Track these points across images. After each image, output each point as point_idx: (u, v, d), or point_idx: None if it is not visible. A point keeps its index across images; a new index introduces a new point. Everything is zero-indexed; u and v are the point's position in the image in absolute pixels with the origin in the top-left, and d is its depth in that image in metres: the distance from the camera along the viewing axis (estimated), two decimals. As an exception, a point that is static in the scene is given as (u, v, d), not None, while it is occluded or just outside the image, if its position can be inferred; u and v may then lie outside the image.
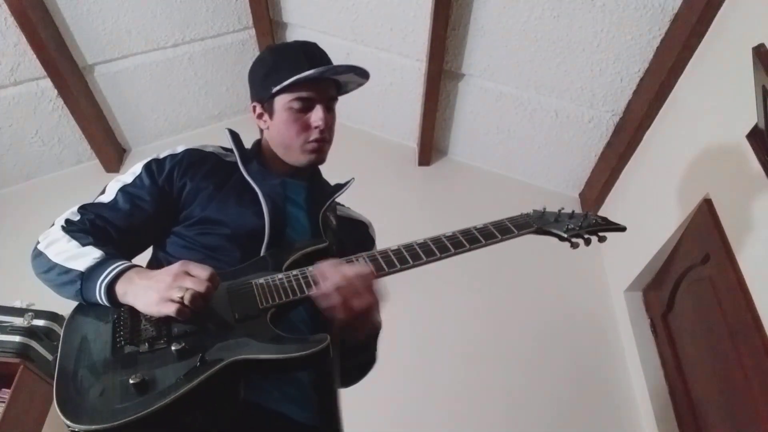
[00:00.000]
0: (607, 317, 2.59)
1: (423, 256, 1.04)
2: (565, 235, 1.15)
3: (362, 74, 1.22)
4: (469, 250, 1.07)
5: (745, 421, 1.74)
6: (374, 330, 1.12)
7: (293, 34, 3.12)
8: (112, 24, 2.79)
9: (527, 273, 2.76)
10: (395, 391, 2.31)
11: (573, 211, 1.21)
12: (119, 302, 0.94)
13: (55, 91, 2.81)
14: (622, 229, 1.22)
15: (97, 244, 1.01)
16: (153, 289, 0.90)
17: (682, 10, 2.16)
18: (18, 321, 2.31)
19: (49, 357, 2.34)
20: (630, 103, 2.55)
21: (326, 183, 1.31)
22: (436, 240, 1.07)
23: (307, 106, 1.16)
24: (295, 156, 1.20)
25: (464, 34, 2.65)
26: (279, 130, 1.19)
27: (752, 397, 1.69)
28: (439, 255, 1.05)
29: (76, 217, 1.08)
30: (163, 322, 0.91)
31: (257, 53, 2.62)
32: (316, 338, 0.89)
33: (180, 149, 1.20)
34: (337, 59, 1.23)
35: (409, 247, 1.05)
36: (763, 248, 1.69)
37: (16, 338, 2.23)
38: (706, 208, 1.97)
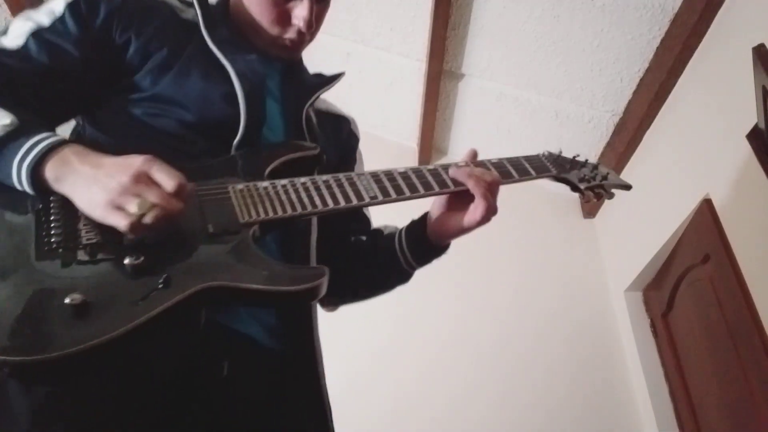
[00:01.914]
0: (607, 317, 2.59)
1: (514, 173, 0.96)
2: (582, 187, 1.04)
3: None
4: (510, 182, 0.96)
5: (745, 421, 1.74)
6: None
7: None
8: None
9: (527, 272, 2.76)
10: (394, 391, 2.31)
11: (586, 160, 1.10)
12: (47, 189, 0.69)
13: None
14: (628, 187, 1.14)
15: (5, 107, 0.72)
16: (100, 186, 0.66)
17: (682, 10, 2.16)
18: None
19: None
20: (630, 103, 2.55)
21: (305, 69, 1.04)
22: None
23: None
24: (261, 43, 0.92)
25: (464, 34, 2.65)
26: (252, 9, 0.90)
27: (752, 397, 1.69)
28: (518, 177, 0.97)
29: None
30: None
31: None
32: (312, 270, 0.74)
33: None
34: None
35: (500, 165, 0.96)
36: (763, 248, 1.69)
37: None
38: (706, 208, 1.97)
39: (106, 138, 0.84)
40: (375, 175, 0.88)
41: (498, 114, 2.92)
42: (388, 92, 3.11)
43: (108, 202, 0.66)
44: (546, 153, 1.05)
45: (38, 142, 0.69)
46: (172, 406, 0.74)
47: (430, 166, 0.92)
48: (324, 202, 0.81)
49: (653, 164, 2.46)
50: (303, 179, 0.83)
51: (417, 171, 0.91)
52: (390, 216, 1.05)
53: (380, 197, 0.85)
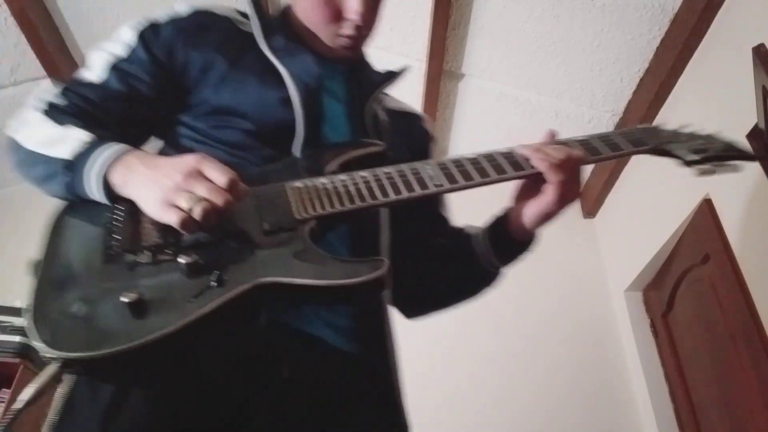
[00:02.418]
0: (607, 317, 2.59)
1: (605, 148, 0.89)
2: (689, 159, 0.95)
3: None
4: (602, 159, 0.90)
5: (745, 421, 1.74)
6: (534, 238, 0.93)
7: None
8: (112, 24, 2.79)
9: (527, 272, 2.75)
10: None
11: (693, 132, 1.02)
12: (117, 195, 0.73)
13: (55, 91, 2.81)
14: (753, 157, 1.01)
15: (86, 128, 0.78)
16: (157, 185, 0.69)
17: (682, 10, 2.16)
18: (18, 321, 2.31)
19: (49, 357, 2.34)
20: (630, 103, 2.55)
21: (371, 68, 1.04)
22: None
23: None
24: (321, 46, 0.94)
25: (464, 34, 2.64)
26: (304, 8, 0.93)
27: (752, 397, 1.69)
28: (611, 152, 0.89)
29: (60, 101, 0.84)
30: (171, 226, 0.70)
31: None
32: (372, 262, 0.70)
33: (183, 10, 0.93)
34: None
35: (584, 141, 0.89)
36: (763, 248, 1.69)
37: (16, 338, 2.24)
38: (706, 208, 1.97)
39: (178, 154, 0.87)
40: (441, 163, 0.83)
41: (498, 114, 2.92)
42: (388, 92, 3.11)
43: (163, 200, 0.68)
44: (642, 126, 0.96)
45: (108, 152, 0.74)
46: (232, 407, 0.73)
47: (503, 149, 0.86)
48: (384, 193, 0.77)
49: (653, 164, 2.45)
50: (363, 172, 0.80)
51: (488, 155, 0.85)
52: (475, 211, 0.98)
53: (447, 185, 0.80)
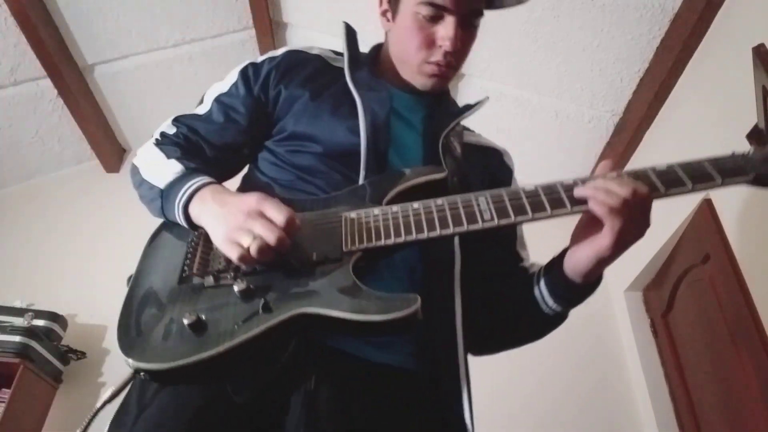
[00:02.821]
0: (607, 317, 2.59)
1: (687, 180, 0.80)
2: None
3: None
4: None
5: (745, 421, 1.74)
6: (599, 278, 0.87)
7: (293, 34, 3.12)
8: (112, 24, 2.79)
9: (527, 273, 2.76)
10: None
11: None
12: (195, 225, 0.83)
13: (55, 91, 2.81)
14: None
15: (182, 158, 0.89)
16: (222, 222, 0.77)
17: (682, 10, 2.16)
18: (18, 321, 2.31)
19: (49, 357, 2.35)
20: (630, 103, 2.55)
21: (453, 103, 1.09)
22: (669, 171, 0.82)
23: (438, 15, 0.92)
24: (409, 74, 0.99)
25: (464, 34, 2.64)
26: (399, 37, 0.97)
27: (752, 397, 1.69)
28: (691, 187, 0.80)
29: (171, 130, 0.97)
30: None
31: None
32: (404, 298, 0.71)
33: (281, 51, 1.03)
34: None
35: (662, 173, 0.82)
36: (763, 248, 1.69)
37: (16, 338, 2.24)
38: (706, 208, 1.97)
39: (262, 176, 0.97)
40: (496, 195, 0.80)
41: (498, 114, 2.92)
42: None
43: (226, 236, 0.76)
44: (738, 153, 0.81)
45: (189, 186, 0.84)
46: (263, 420, 0.78)
47: (567, 181, 0.81)
48: (432, 227, 0.77)
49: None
50: (416, 204, 0.80)
51: (547, 187, 0.80)
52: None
53: (496, 220, 0.77)
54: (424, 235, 0.77)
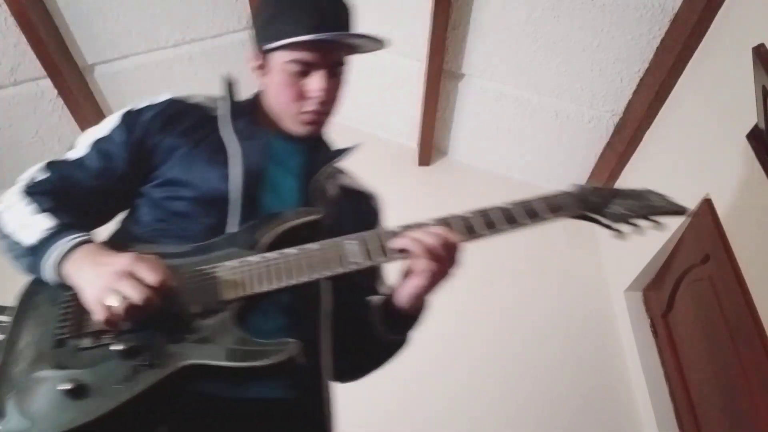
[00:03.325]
0: (607, 317, 2.59)
1: (500, 223, 0.96)
2: (611, 225, 0.99)
3: (375, 41, 1.06)
4: (506, 230, 0.97)
5: (745, 421, 1.74)
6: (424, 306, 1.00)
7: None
8: (112, 24, 2.79)
9: (527, 273, 2.76)
10: (393, 390, 2.31)
11: (622, 190, 1.04)
12: (67, 284, 0.82)
13: (55, 91, 2.81)
14: (682, 211, 1.05)
15: (55, 211, 0.88)
16: (92, 283, 0.77)
17: (682, 10, 2.16)
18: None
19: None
20: (630, 103, 2.55)
21: (328, 148, 1.15)
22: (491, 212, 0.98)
23: (305, 71, 0.99)
24: (287, 124, 1.05)
25: (464, 34, 2.65)
26: (273, 91, 1.03)
27: (752, 397, 1.69)
28: (508, 225, 0.96)
29: (42, 176, 0.95)
30: None
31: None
32: (282, 344, 0.77)
33: (161, 98, 1.06)
34: None
35: (482, 213, 0.97)
36: (763, 248, 1.69)
37: (16, 338, 2.23)
38: (706, 208, 1.97)
39: (137, 222, 0.97)
40: (362, 242, 0.89)
41: (498, 114, 2.92)
42: (388, 92, 3.11)
43: (95, 298, 0.76)
44: (576, 187, 1.00)
45: (63, 245, 0.82)
46: None
47: (395, 228, 0.92)
48: (311, 271, 0.85)
49: (653, 164, 2.46)
50: (294, 249, 0.86)
51: (388, 233, 0.91)
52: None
53: (361, 263, 0.87)
54: (304, 278, 0.84)
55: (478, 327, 2.57)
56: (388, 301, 0.97)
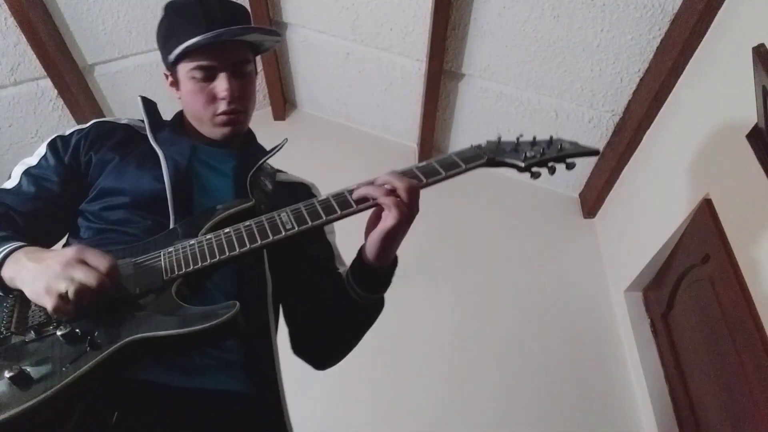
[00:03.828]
0: (607, 317, 2.59)
1: (440, 170, 0.96)
2: (523, 165, 1.00)
3: (269, 32, 1.07)
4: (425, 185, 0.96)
5: (745, 421, 1.74)
6: (395, 260, 0.99)
7: (293, 34, 3.12)
8: (112, 24, 2.79)
9: (527, 272, 2.76)
10: (393, 390, 2.31)
11: (534, 138, 1.07)
12: (10, 288, 0.84)
13: (55, 91, 2.81)
14: (595, 152, 1.05)
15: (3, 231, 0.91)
16: (41, 276, 0.79)
17: (682, 10, 2.16)
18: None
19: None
20: (630, 103, 2.55)
21: (261, 149, 1.19)
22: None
23: (210, 75, 1.04)
24: (207, 130, 1.10)
25: (464, 34, 2.65)
26: (187, 101, 1.09)
27: (752, 397, 1.69)
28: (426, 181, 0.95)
29: None
30: None
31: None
32: (224, 306, 0.78)
33: (88, 123, 1.11)
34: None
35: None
36: (763, 248, 1.69)
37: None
38: (706, 208, 1.97)
39: (79, 240, 0.99)
40: (295, 209, 0.91)
41: (498, 114, 2.92)
42: (388, 92, 3.11)
43: (45, 289, 0.77)
44: (484, 142, 1.04)
45: (1, 249, 0.84)
46: None
47: (353, 186, 0.93)
48: (242, 244, 0.86)
49: (653, 164, 2.46)
50: (227, 229, 0.89)
51: (336, 194, 0.92)
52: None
53: (296, 227, 0.88)
54: (236, 251, 0.86)
55: (477, 327, 2.57)
56: (359, 260, 0.97)
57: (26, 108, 2.86)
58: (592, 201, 2.91)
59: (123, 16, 2.79)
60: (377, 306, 1.02)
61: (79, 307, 0.78)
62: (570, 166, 1.03)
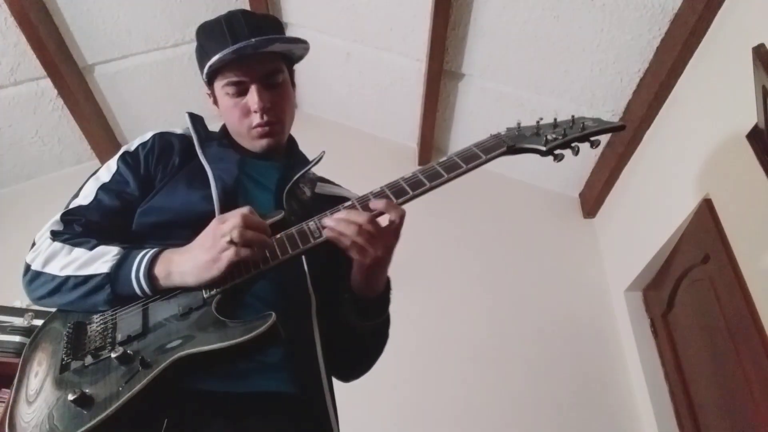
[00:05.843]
0: (607, 317, 2.59)
1: (410, 190, 0.95)
2: (545, 149, 0.98)
3: (292, 41, 1.08)
4: (442, 182, 0.96)
5: (745, 421, 1.74)
6: (387, 283, 1.00)
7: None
8: (112, 24, 2.79)
9: (527, 272, 2.76)
10: (394, 393, 2.31)
11: (555, 119, 1.04)
12: (159, 288, 0.89)
13: (55, 91, 2.81)
14: (621, 127, 1.04)
15: (105, 243, 0.94)
16: (199, 254, 0.86)
17: (682, 10, 2.16)
18: (18, 321, 2.31)
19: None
20: (630, 103, 2.55)
21: (303, 159, 1.19)
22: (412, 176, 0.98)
23: (242, 89, 1.06)
24: (247, 143, 1.12)
25: (464, 34, 2.65)
26: (226, 117, 1.12)
27: (752, 397, 1.69)
28: (429, 185, 0.96)
29: (62, 227, 1.00)
30: (110, 329, 0.87)
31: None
32: (260, 317, 0.83)
33: (148, 135, 1.12)
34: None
35: (396, 184, 0.96)
36: (763, 248, 1.69)
37: (16, 338, 2.23)
38: (706, 208, 1.97)
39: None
40: (320, 216, 0.93)
41: (498, 114, 2.92)
42: (388, 92, 3.11)
43: (211, 257, 0.85)
44: (504, 130, 1.03)
45: (145, 255, 0.90)
46: None
47: (347, 203, 0.94)
48: (274, 257, 0.90)
49: (653, 164, 2.46)
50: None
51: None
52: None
53: (323, 236, 0.90)
54: (269, 264, 0.90)
55: (478, 327, 2.57)
56: (350, 292, 0.98)
57: (26, 108, 2.86)
58: (592, 201, 2.91)
59: (123, 16, 2.79)
60: (385, 323, 1.04)
61: (249, 244, 0.84)
62: (594, 144, 1.01)
